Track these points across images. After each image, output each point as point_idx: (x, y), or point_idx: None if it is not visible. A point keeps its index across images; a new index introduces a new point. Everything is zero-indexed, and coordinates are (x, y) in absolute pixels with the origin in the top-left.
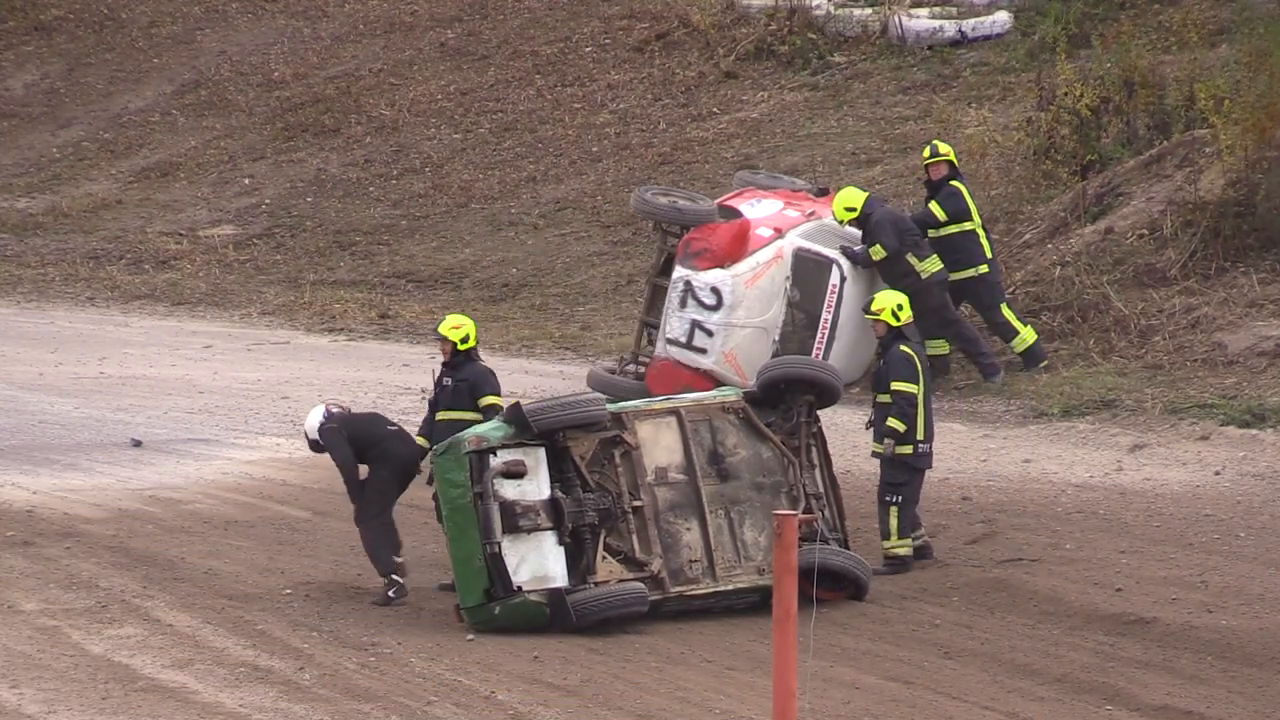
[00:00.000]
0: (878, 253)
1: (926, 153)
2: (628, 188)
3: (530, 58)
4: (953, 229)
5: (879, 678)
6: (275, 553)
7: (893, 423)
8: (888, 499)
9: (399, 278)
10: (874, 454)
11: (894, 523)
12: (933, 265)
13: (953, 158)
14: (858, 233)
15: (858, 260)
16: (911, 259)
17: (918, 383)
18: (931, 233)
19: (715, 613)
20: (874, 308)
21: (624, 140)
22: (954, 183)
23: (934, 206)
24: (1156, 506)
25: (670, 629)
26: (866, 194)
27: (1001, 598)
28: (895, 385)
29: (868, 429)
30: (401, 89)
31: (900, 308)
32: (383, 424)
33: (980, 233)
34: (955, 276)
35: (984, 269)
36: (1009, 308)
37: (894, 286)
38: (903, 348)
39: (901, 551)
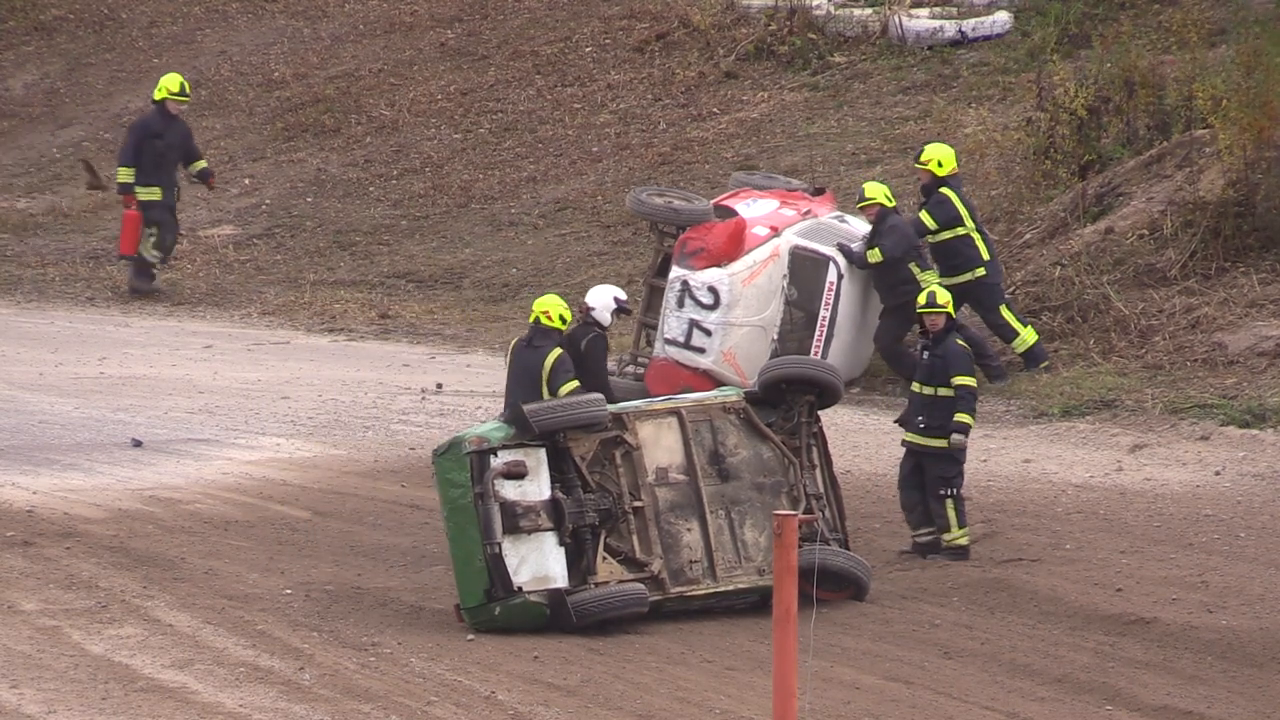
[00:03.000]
0: (874, 256)
1: (919, 159)
2: (628, 188)
3: (530, 58)
4: (946, 235)
5: (879, 678)
6: (275, 553)
7: (963, 418)
8: (942, 493)
9: (399, 278)
10: (904, 442)
11: (952, 515)
12: (932, 277)
13: (948, 168)
14: (855, 231)
15: (853, 260)
16: (914, 268)
17: (975, 376)
18: (927, 239)
19: (715, 613)
20: (940, 301)
21: (624, 140)
22: (943, 190)
23: (924, 215)
24: (1156, 506)
25: (670, 629)
26: (893, 204)
27: (1001, 598)
28: (959, 380)
29: (898, 423)
30: (401, 89)
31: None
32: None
33: (975, 236)
34: (955, 281)
35: (981, 271)
36: (1009, 309)
37: (888, 294)
38: (959, 340)
39: (963, 541)
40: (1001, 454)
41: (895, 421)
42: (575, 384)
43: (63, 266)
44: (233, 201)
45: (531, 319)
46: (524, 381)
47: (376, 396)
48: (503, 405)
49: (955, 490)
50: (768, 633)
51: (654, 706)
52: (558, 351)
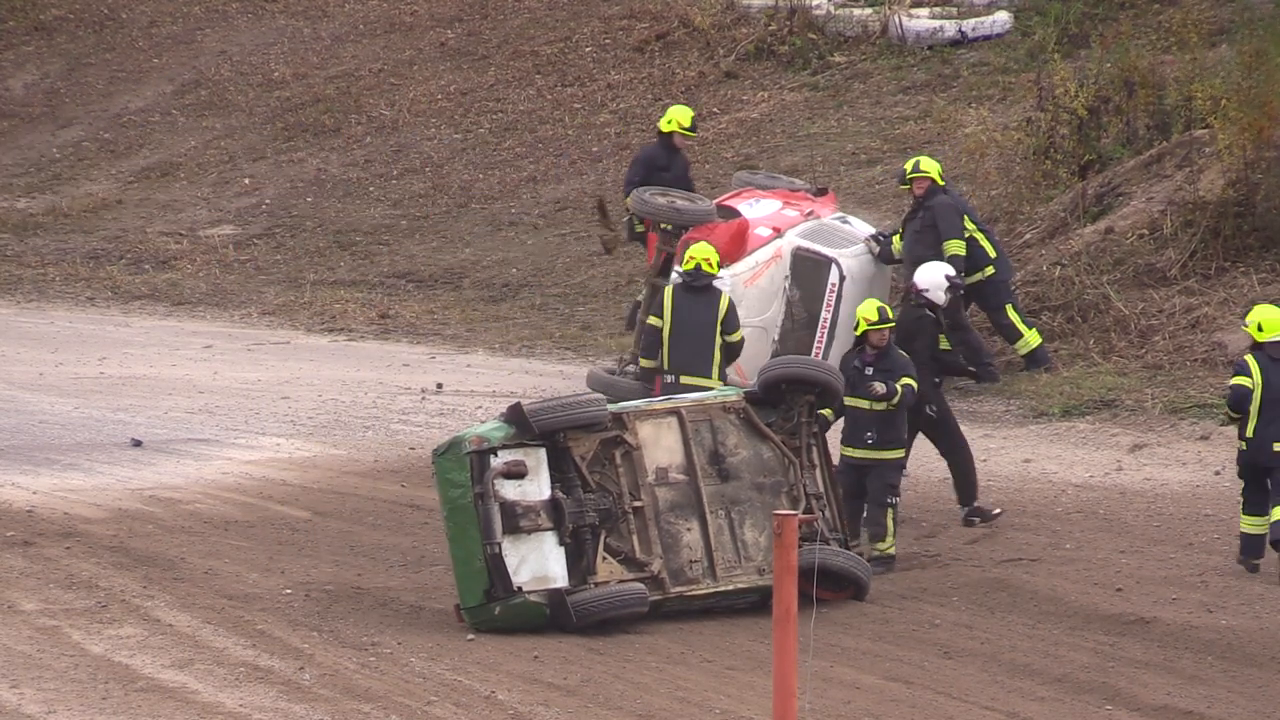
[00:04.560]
0: (957, 247)
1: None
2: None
3: (530, 58)
4: None
5: (879, 678)
6: (275, 553)
7: (899, 388)
8: (888, 500)
9: (399, 278)
10: (845, 458)
11: (890, 524)
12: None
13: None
14: (858, 232)
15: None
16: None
17: (916, 380)
18: None
19: (715, 613)
20: (890, 316)
21: (624, 140)
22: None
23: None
24: (1156, 506)
25: (670, 629)
26: (944, 183)
27: (1001, 598)
28: (905, 380)
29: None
30: (401, 89)
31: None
32: None
33: (979, 235)
34: (967, 281)
35: (990, 270)
36: (1015, 310)
37: (910, 270)
38: (901, 352)
39: (892, 551)
40: (1001, 454)
41: (843, 443)
42: (741, 334)
43: (63, 266)
44: (233, 201)
45: (691, 265)
46: (694, 320)
47: (376, 396)
48: (667, 349)
49: (898, 499)
50: (768, 633)
51: (654, 706)
52: (727, 297)
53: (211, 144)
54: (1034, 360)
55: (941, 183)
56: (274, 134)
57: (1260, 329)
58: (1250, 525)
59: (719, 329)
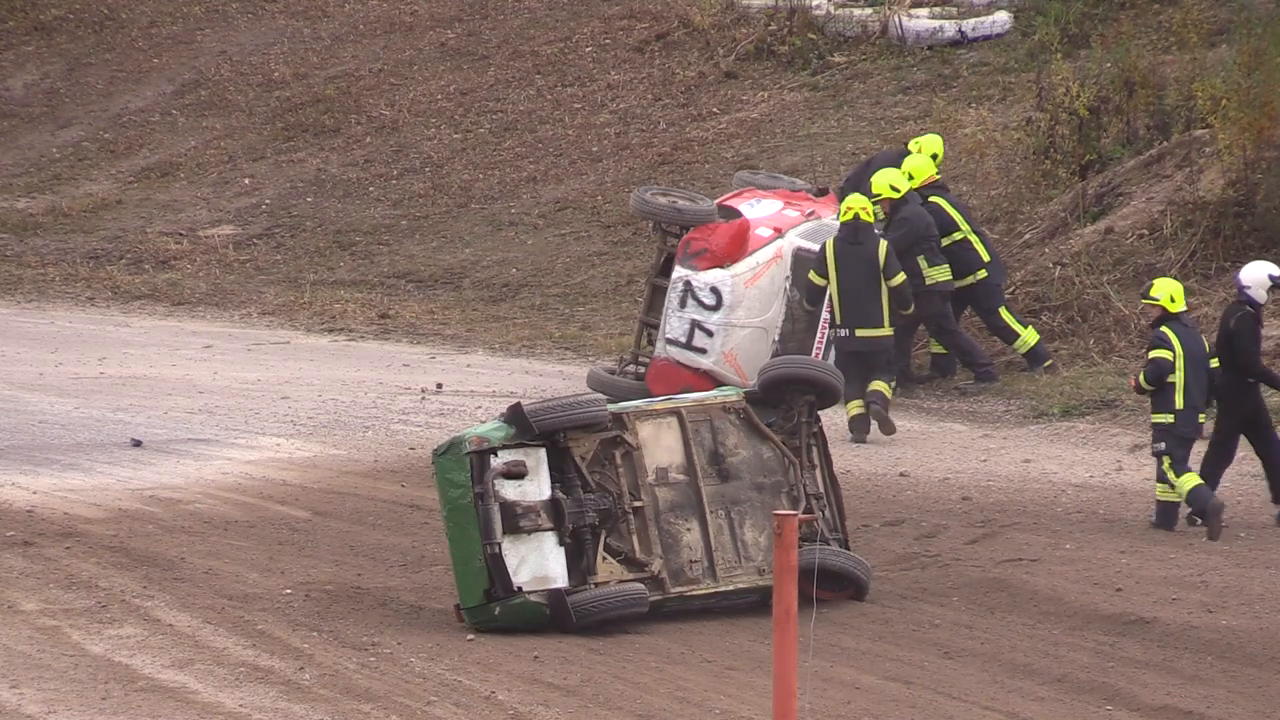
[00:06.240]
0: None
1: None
2: (628, 188)
3: (530, 58)
4: (944, 241)
5: (879, 678)
6: (275, 553)
7: None
8: None
9: (399, 278)
10: None
11: None
12: (940, 274)
13: (919, 179)
14: None
15: None
16: (921, 261)
17: None
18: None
19: (715, 613)
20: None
21: (624, 140)
22: (934, 198)
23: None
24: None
25: (670, 629)
26: (901, 193)
27: (1001, 598)
28: None
29: None
30: (401, 89)
31: None
32: None
33: (972, 238)
34: (957, 284)
35: (983, 273)
36: (1008, 311)
37: None
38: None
39: None
40: (1001, 454)
41: None
42: (903, 277)
43: (63, 266)
44: (233, 201)
45: (849, 216)
46: (859, 272)
47: (376, 396)
48: (837, 306)
49: None
50: (768, 633)
51: (654, 706)
52: (885, 243)
53: (211, 144)
54: (1035, 358)
55: (896, 193)
56: (274, 134)
57: (1173, 300)
58: (1164, 493)
59: (881, 277)
